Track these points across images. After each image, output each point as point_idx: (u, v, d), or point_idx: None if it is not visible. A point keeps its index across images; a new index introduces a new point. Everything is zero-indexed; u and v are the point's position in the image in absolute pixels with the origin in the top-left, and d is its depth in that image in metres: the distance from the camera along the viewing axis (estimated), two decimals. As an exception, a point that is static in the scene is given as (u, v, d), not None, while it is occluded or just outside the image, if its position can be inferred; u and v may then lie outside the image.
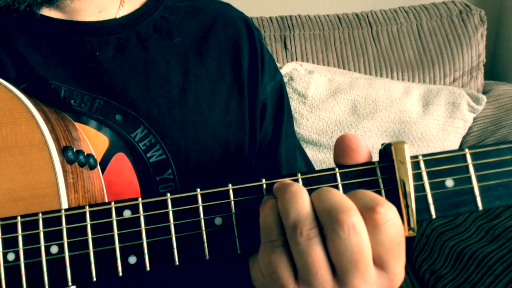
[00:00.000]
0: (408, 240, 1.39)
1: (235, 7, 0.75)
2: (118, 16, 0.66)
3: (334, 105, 1.35)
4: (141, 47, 0.64)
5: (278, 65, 1.43)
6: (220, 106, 0.66)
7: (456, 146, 1.39)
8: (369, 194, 0.39)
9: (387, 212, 0.38)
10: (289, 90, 1.37)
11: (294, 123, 1.35)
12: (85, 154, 0.53)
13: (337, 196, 0.39)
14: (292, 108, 1.36)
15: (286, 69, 1.39)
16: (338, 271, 0.38)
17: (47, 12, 0.63)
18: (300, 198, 0.39)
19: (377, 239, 0.38)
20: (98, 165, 0.56)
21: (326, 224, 0.38)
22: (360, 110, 1.35)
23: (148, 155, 0.61)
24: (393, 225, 0.38)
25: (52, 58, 0.61)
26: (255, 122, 0.69)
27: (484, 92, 1.53)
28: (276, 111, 0.72)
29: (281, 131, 0.71)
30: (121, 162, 0.60)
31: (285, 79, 1.38)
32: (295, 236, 0.38)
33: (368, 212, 0.38)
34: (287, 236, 0.39)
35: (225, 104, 0.67)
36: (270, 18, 1.52)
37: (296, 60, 1.47)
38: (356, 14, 1.54)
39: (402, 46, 1.50)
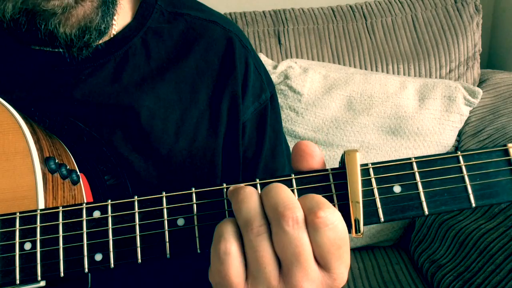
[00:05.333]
0: (407, 230, 1.40)
1: (224, 24, 0.72)
2: (113, 33, 0.66)
3: (329, 102, 1.35)
4: (114, 73, 0.65)
5: (273, 62, 1.43)
6: (188, 133, 0.67)
7: (452, 140, 1.38)
8: (316, 198, 0.42)
9: (327, 216, 0.40)
10: (284, 88, 1.37)
11: (290, 121, 1.35)
12: (68, 168, 0.55)
13: (284, 193, 0.42)
14: (288, 106, 1.36)
15: (281, 68, 1.38)
16: (283, 265, 0.41)
17: None
18: (251, 198, 0.42)
19: (317, 241, 0.40)
20: (81, 182, 0.57)
21: (272, 220, 0.41)
22: (356, 106, 1.35)
23: (106, 177, 0.63)
24: (333, 229, 0.40)
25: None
26: (238, 145, 0.70)
27: (481, 81, 1.52)
28: (257, 133, 0.72)
29: (260, 157, 0.72)
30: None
31: (281, 78, 1.38)
32: (246, 234, 0.41)
33: (310, 215, 0.40)
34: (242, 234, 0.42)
35: (193, 131, 0.67)
36: (264, 12, 1.51)
37: (291, 55, 1.46)
38: (350, 6, 1.53)
39: (397, 38, 1.48)
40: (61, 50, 0.62)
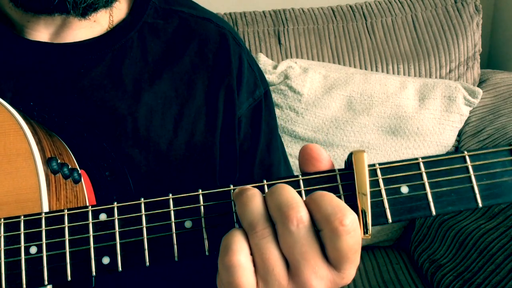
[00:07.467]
0: (407, 230, 1.40)
1: (218, 21, 0.73)
2: (110, 26, 0.66)
3: (329, 102, 1.35)
4: (112, 67, 0.65)
5: (273, 62, 1.42)
6: (187, 128, 0.67)
7: (452, 140, 1.39)
8: (335, 202, 0.41)
9: (351, 223, 0.39)
10: (284, 88, 1.37)
11: (290, 121, 1.35)
12: (69, 167, 0.55)
13: (287, 193, 0.41)
14: (288, 106, 1.36)
15: (281, 68, 1.38)
16: (291, 265, 0.41)
17: (38, 35, 0.63)
18: (255, 201, 0.42)
19: (336, 246, 0.40)
20: (83, 181, 0.57)
21: (277, 220, 0.41)
22: (356, 106, 1.35)
23: (107, 173, 0.62)
24: (353, 236, 0.40)
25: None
26: (235, 140, 0.70)
27: (481, 81, 1.52)
28: (252, 129, 0.72)
29: (256, 152, 0.72)
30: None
31: (281, 78, 1.38)
32: (251, 237, 0.41)
33: (334, 222, 0.39)
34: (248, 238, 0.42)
35: (191, 127, 0.67)
36: (264, 12, 1.51)
37: (291, 55, 1.46)
38: (350, 6, 1.53)
39: (397, 38, 1.49)
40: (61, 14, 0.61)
